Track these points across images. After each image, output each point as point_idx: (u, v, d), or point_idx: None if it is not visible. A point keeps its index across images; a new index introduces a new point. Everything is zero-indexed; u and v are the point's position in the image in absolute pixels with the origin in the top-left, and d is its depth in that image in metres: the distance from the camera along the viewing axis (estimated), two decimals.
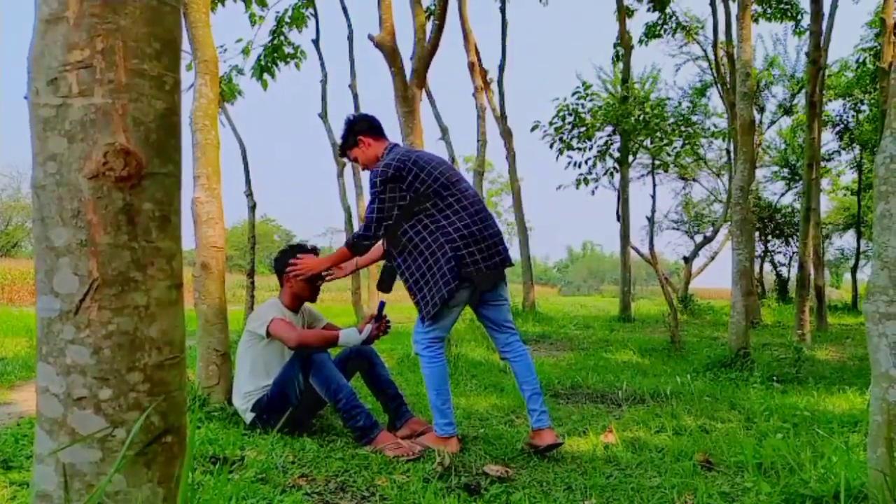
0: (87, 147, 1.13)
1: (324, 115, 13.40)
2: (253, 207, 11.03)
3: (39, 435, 1.16)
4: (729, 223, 9.18)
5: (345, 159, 3.56)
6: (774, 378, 5.58)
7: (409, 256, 3.11)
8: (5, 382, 5.05)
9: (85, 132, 1.13)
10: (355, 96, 13.76)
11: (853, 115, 17.45)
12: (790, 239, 22.28)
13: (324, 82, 13.29)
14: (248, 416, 3.49)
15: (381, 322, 3.49)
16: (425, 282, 3.06)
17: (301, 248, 3.72)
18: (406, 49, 7.13)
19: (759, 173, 22.93)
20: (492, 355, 7.44)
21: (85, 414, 1.13)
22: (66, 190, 1.13)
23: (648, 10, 12.49)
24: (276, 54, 10.49)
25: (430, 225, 3.05)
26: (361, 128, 3.31)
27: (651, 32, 14.26)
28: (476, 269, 3.03)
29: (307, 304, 3.81)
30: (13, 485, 2.43)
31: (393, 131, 7.06)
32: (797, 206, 20.80)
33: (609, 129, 10.37)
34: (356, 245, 3.23)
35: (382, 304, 3.55)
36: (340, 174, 13.45)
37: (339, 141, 3.45)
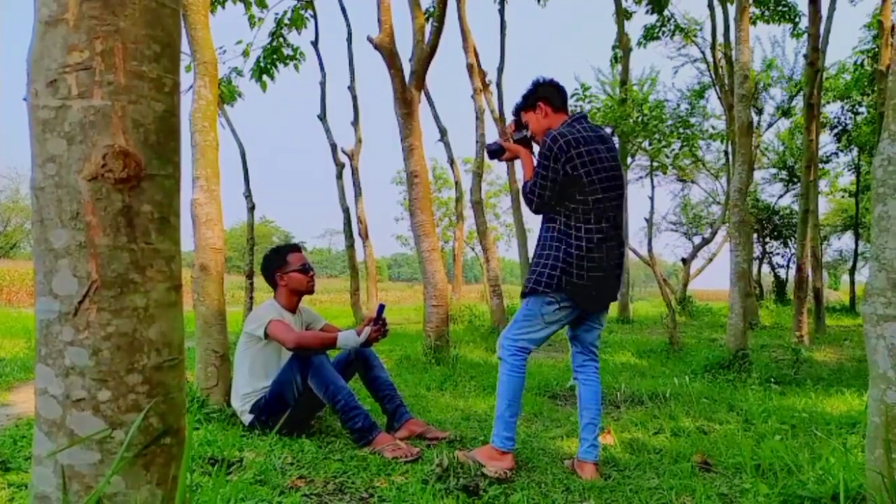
0: (87, 149, 1.13)
1: (323, 117, 13.41)
2: (252, 209, 11.04)
3: (38, 436, 1.16)
4: (727, 225, 9.20)
5: (512, 123, 3.21)
6: (772, 380, 5.59)
7: (545, 231, 2.96)
8: (4, 384, 5.05)
9: (84, 134, 1.13)
10: (354, 98, 13.77)
11: (851, 118, 17.47)
12: (788, 240, 22.31)
13: (323, 84, 13.31)
14: (247, 418, 3.49)
15: (379, 324, 3.49)
16: (545, 262, 2.90)
17: (284, 247, 3.77)
18: (405, 51, 7.15)
19: (758, 175, 22.97)
20: (490, 357, 7.44)
21: (84, 415, 1.13)
22: (66, 192, 1.13)
23: (647, 12, 12.49)
24: (275, 56, 10.51)
25: (564, 225, 2.87)
26: (546, 93, 3.07)
27: (649, 34, 14.27)
28: (578, 290, 2.86)
29: (305, 306, 3.82)
30: (11, 486, 2.43)
31: (392, 132, 7.08)
32: (795, 207, 20.83)
33: (607, 130, 10.38)
34: (526, 200, 3.01)
35: (382, 307, 3.55)
36: (339, 175, 13.45)
37: (519, 100, 3.18)
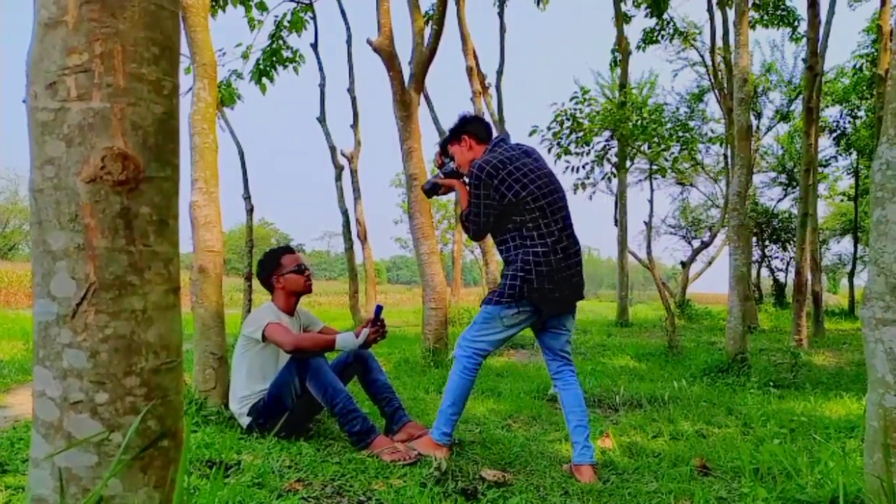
0: (85, 151, 1.13)
1: (322, 119, 13.41)
2: (250, 211, 11.03)
3: (35, 439, 1.16)
4: (726, 228, 9.22)
5: (440, 155, 3.41)
6: (771, 383, 5.59)
7: (503, 250, 3.08)
8: (1, 386, 5.04)
9: (83, 136, 1.13)
10: (354, 100, 13.78)
11: (850, 121, 17.51)
12: (787, 244, 22.34)
13: (322, 86, 13.31)
14: (245, 421, 3.48)
15: (378, 326, 3.48)
16: (507, 274, 3.00)
17: (277, 250, 3.77)
18: (404, 53, 7.16)
19: (757, 179, 22.99)
20: (488, 360, 7.43)
21: (81, 418, 1.12)
22: (64, 194, 1.13)
23: (646, 16, 12.52)
24: (274, 58, 10.52)
25: (516, 238, 2.98)
26: (472, 127, 3.25)
27: (649, 38, 14.30)
28: (542, 295, 2.94)
29: (302, 308, 3.82)
30: (8, 489, 2.42)
31: (391, 135, 7.09)
32: (794, 211, 20.85)
33: (607, 134, 10.39)
34: (464, 228, 3.18)
35: (380, 308, 3.54)
36: (338, 178, 13.45)
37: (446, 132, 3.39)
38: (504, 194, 2.96)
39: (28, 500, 1.16)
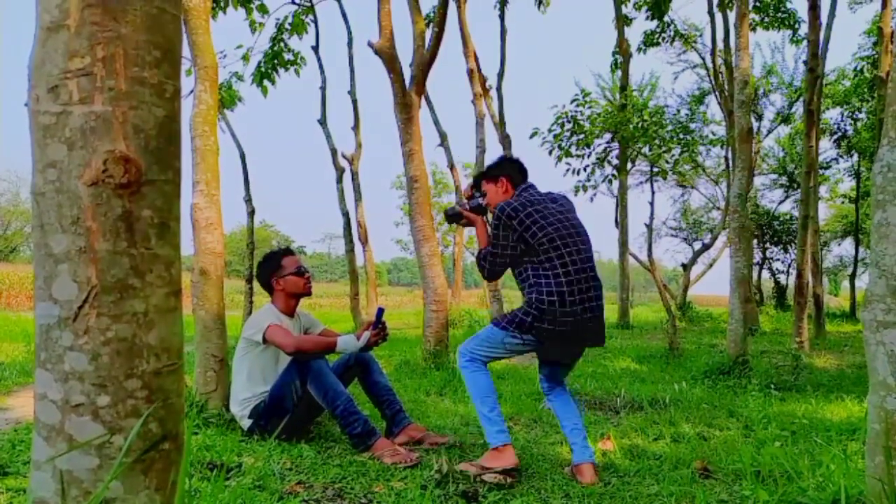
0: (87, 154, 1.13)
1: (323, 121, 13.42)
2: (252, 213, 11.05)
3: (37, 441, 1.16)
4: (727, 230, 9.21)
5: (471, 188, 3.42)
6: (773, 386, 5.58)
7: (520, 280, 3.07)
8: (3, 388, 5.04)
9: (85, 139, 1.13)
10: (355, 102, 13.79)
11: (851, 124, 17.50)
12: (788, 246, 22.30)
13: (323, 88, 13.32)
14: (246, 423, 3.48)
15: (379, 328, 3.48)
16: (522, 306, 2.97)
17: (277, 252, 3.77)
18: (405, 56, 7.17)
19: (758, 181, 22.98)
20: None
21: (83, 420, 1.12)
22: (66, 197, 1.13)
23: (647, 18, 12.53)
24: (276, 61, 10.53)
25: (531, 277, 2.96)
26: (510, 170, 3.25)
27: (649, 40, 14.31)
28: (550, 335, 2.90)
29: (303, 310, 3.83)
30: (10, 491, 2.43)
31: (393, 137, 7.10)
32: (795, 213, 20.84)
33: (608, 136, 10.40)
34: (479, 266, 3.18)
35: (381, 311, 3.54)
36: (339, 180, 13.46)
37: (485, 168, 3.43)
38: (522, 236, 2.96)
39: (29, 503, 1.16)
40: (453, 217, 3.40)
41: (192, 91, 4.09)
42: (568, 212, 3.10)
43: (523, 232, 2.95)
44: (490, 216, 3.17)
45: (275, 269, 3.68)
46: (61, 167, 1.13)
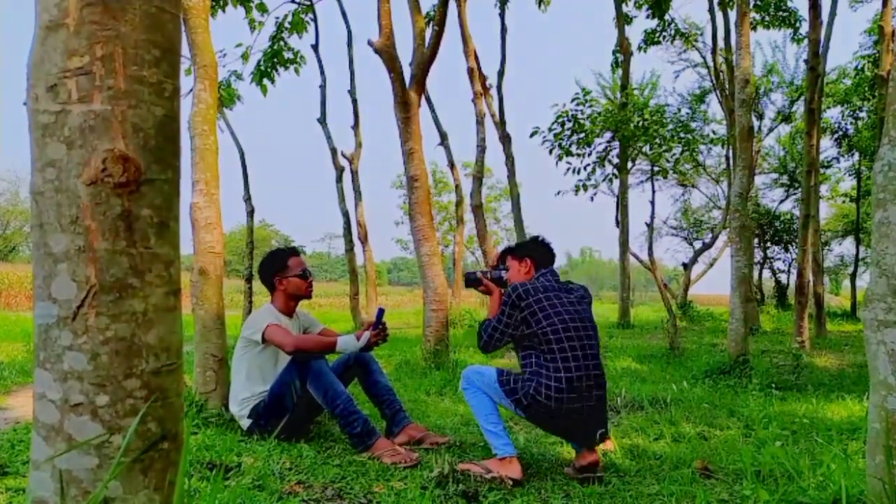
0: (86, 153, 1.13)
1: (323, 120, 13.42)
2: (251, 213, 11.04)
3: (36, 441, 1.16)
4: (728, 230, 9.21)
5: (498, 258, 3.49)
6: (773, 385, 5.58)
7: (523, 357, 3.08)
8: (2, 388, 5.04)
9: (84, 138, 1.13)
10: (354, 101, 13.79)
11: (852, 122, 17.49)
12: (789, 246, 22.31)
13: (323, 87, 13.32)
14: (245, 423, 3.48)
15: (379, 329, 3.47)
16: (527, 381, 2.94)
17: (283, 251, 3.75)
18: (405, 54, 7.16)
19: (758, 180, 22.97)
20: (489, 361, 7.42)
21: (82, 420, 1.12)
22: (65, 196, 1.13)
23: (647, 17, 12.51)
24: (275, 59, 10.52)
25: (533, 365, 2.95)
26: (538, 253, 3.30)
27: (650, 39, 14.29)
28: (545, 422, 2.97)
29: (302, 310, 3.82)
30: (9, 491, 2.42)
31: (392, 136, 7.09)
32: (796, 212, 20.83)
33: (608, 135, 10.40)
34: (480, 347, 3.19)
35: (381, 312, 3.53)
36: (339, 179, 13.45)
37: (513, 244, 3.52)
38: (526, 319, 2.99)
39: (28, 502, 1.16)
40: (473, 282, 3.46)
41: (191, 90, 4.09)
42: (579, 303, 3.10)
43: (529, 316, 2.98)
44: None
45: (279, 269, 3.66)
46: (60, 166, 1.13)
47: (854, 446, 3.39)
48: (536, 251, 3.31)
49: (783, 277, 24.11)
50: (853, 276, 20.50)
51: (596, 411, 2.95)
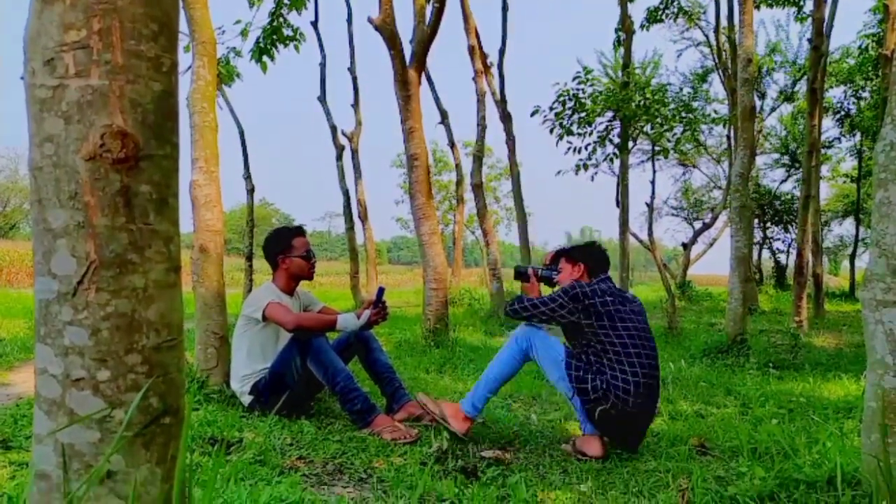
0: (84, 129, 1.12)
1: (323, 98, 13.33)
2: (251, 191, 11.02)
3: (38, 415, 1.17)
4: (728, 210, 9.19)
5: (551, 258, 3.48)
6: (771, 364, 5.61)
7: (581, 351, 3.10)
8: (4, 364, 5.07)
9: (82, 113, 1.12)
10: (354, 79, 13.69)
11: (854, 102, 17.38)
12: (789, 226, 22.28)
13: (323, 65, 13.21)
14: (247, 399, 3.50)
15: (379, 307, 3.48)
16: (594, 383, 2.95)
17: (289, 230, 3.73)
18: (406, 32, 7.10)
19: (760, 160, 22.91)
20: (489, 340, 7.46)
21: (83, 395, 1.13)
22: (64, 171, 1.12)
23: None
24: (275, 36, 10.40)
25: (605, 363, 2.97)
26: (593, 260, 3.30)
27: (653, 17, 14.13)
28: (606, 421, 2.94)
29: (302, 288, 3.82)
30: (12, 465, 2.45)
31: (393, 115, 7.05)
32: (797, 193, 20.78)
33: (609, 114, 10.32)
34: (508, 309, 3.24)
35: (382, 291, 3.54)
36: (339, 157, 13.40)
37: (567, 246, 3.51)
38: (590, 316, 3.01)
39: (31, 476, 1.17)
40: (521, 275, 3.49)
41: (189, 67, 4.05)
42: (641, 314, 3.12)
43: (594, 316, 3.00)
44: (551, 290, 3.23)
45: (284, 248, 3.65)
46: (58, 141, 1.13)
47: (850, 425, 3.42)
48: (592, 257, 3.31)
49: (782, 258, 24.12)
50: (852, 257, 20.51)
51: (649, 420, 3.03)
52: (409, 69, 6.85)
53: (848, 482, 2.21)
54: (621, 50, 13.80)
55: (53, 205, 1.13)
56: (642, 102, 9.71)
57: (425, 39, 6.92)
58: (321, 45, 13.08)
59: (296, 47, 10.73)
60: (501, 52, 13.02)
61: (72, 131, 1.12)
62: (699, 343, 6.81)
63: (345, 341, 3.71)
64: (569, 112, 9.76)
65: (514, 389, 4.52)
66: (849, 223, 26.42)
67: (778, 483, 2.37)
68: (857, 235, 19.95)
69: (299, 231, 3.74)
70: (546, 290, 3.36)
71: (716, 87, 23.20)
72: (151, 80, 1.17)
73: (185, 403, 1.26)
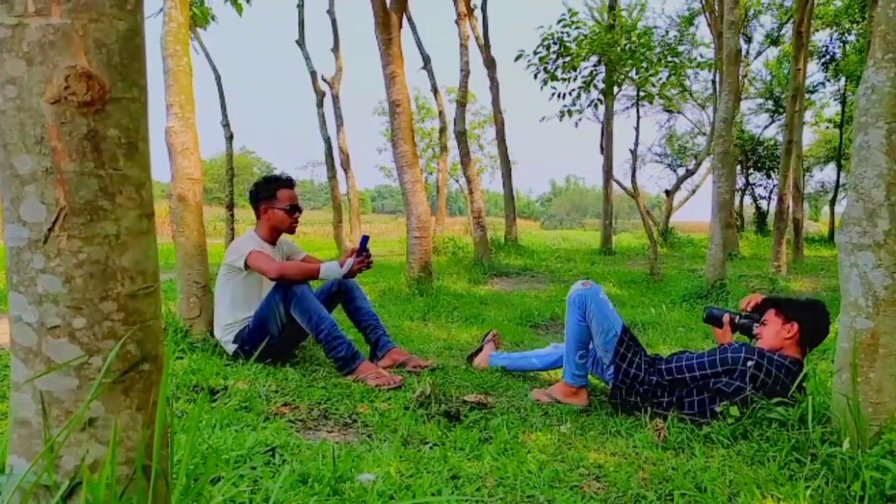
0: (48, 70, 1.08)
1: (301, 42, 12.99)
2: (230, 138, 10.82)
3: (15, 363, 1.16)
4: (711, 156, 9.20)
5: (755, 304, 2.96)
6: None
7: None
8: None
9: (44, 54, 1.08)
10: (334, 21, 13.33)
11: (840, 46, 17.28)
12: (771, 172, 22.43)
13: (301, 7, 12.83)
14: (231, 348, 3.51)
15: (363, 256, 3.47)
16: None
17: (276, 179, 3.67)
18: None
19: (744, 105, 22.84)
20: (473, 288, 7.51)
21: (59, 342, 1.12)
22: (28, 115, 1.09)
23: None
24: None
25: (646, 382, 2.83)
26: (811, 322, 2.68)
27: None
28: None
29: (285, 237, 3.78)
30: None
31: (374, 60, 6.89)
32: (780, 139, 20.82)
33: (594, 59, 10.17)
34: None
35: (365, 239, 3.52)
36: (320, 104, 13.16)
37: None
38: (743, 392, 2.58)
39: (11, 423, 1.17)
40: (714, 319, 3.10)
41: (161, 9, 3.91)
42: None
43: (733, 394, 2.58)
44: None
45: (267, 197, 3.60)
46: (21, 84, 1.08)
47: (823, 366, 3.51)
48: (811, 322, 2.68)
49: (764, 204, 24.35)
50: (832, 202, 20.76)
51: None
52: (391, 12, 6.67)
53: (818, 420, 2.29)
54: None
55: (19, 150, 1.10)
56: (628, 46, 9.57)
57: None
58: None
59: None
60: None
61: (34, 73, 1.08)
62: (679, 288, 6.91)
63: (328, 290, 3.71)
64: (553, 56, 9.60)
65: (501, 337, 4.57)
66: (830, 169, 26.62)
67: (752, 423, 2.44)
68: (837, 181, 20.14)
69: (287, 182, 3.66)
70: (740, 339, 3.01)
71: (702, 30, 22.94)
72: (115, 19, 1.12)
73: (163, 350, 1.26)
